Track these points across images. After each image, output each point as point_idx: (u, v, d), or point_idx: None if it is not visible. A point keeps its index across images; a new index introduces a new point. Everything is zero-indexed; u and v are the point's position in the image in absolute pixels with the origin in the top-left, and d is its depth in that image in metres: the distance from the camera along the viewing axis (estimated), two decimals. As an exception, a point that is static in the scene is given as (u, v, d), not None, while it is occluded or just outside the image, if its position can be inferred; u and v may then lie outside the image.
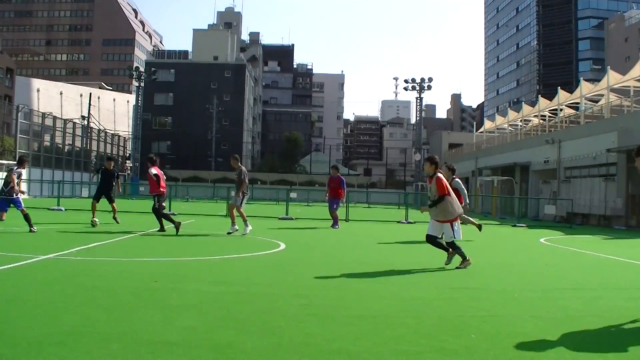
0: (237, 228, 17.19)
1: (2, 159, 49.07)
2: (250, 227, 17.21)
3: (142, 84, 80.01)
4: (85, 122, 76.63)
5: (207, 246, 14.55)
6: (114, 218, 21.41)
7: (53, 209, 28.95)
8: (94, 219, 20.03)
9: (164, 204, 18.37)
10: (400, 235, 17.05)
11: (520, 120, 60.88)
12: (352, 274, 10.12)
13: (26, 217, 15.95)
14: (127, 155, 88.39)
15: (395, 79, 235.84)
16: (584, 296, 8.68)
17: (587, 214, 37.61)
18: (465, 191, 15.93)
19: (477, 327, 6.27)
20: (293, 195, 39.53)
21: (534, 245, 18.33)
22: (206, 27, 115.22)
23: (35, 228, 15.54)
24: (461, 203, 14.05)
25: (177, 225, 16.65)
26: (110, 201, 21.65)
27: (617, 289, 9.71)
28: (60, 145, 62.32)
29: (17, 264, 9.69)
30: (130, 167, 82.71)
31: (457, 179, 15.79)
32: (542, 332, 6.17)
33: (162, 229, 17.50)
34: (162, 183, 17.97)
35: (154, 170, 17.78)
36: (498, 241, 16.79)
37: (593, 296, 8.73)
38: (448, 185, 11.27)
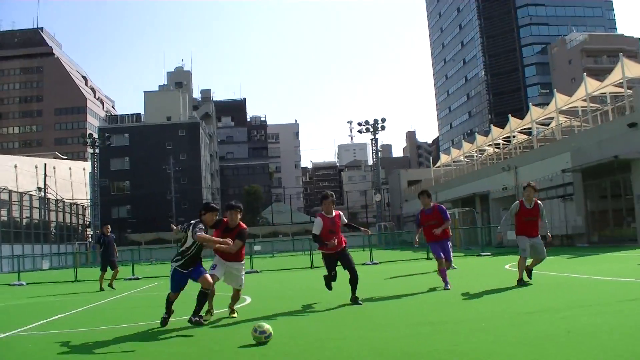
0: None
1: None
2: None
3: (97, 151, 79.76)
4: (42, 194, 76.01)
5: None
6: (110, 285, 21.46)
7: (14, 284, 28.46)
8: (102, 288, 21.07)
9: None
10: (365, 277, 16.98)
11: (475, 151, 61.57)
12: (315, 320, 10.04)
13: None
14: (87, 223, 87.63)
15: (350, 122, 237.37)
16: (551, 317, 8.68)
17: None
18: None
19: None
20: (257, 247, 39.32)
21: (499, 273, 18.39)
22: (157, 89, 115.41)
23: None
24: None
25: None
26: (113, 267, 21.71)
27: (582, 306, 9.72)
28: (18, 219, 61.57)
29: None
30: (91, 234, 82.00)
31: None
32: (511, 359, 6.12)
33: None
34: None
35: None
36: (463, 272, 16.87)
37: (560, 316, 8.71)
38: None
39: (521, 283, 13.51)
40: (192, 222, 10.41)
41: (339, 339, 7.24)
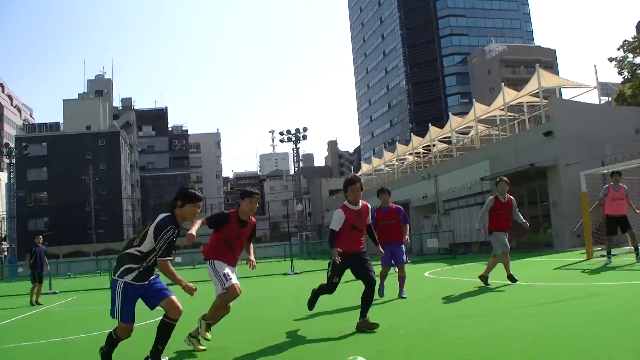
0: None
1: None
2: None
3: (14, 161, 77.82)
4: (-45, 205, 74.06)
5: (84, 322, 14.04)
6: (36, 301, 20.37)
7: None
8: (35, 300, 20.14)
9: None
10: (285, 287, 16.91)
11: (396, 160, 61.94)
12: (238, 335, 9.87)
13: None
14: (3, 236, 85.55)
15: (272, 131, 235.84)
16: (468, 323, 8.76)
17: (468, 243, 38.38)
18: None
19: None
20: (178, 259, 38.81)
21: (418, 280, 18.48)
22: (77, 97, 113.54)
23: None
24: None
25: None
26: (40, 281, 20.67)
27: (499, 311, 9.81)
28: None
29: None
30: (7, 248, 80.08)
31: None
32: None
33: None
34: None
35: None
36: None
37: (477, 322, 8.80)
38: None
39: (486, 280, 14.05)
40: (162, 217, 6.90)
41: (251, 350, 7.10)
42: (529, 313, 9.33)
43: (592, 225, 21.87)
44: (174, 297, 6.85)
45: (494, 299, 11.56)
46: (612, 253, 17.26)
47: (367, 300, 8.89)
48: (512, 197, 14.27)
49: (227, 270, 8.26)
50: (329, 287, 9.15)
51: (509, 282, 13.68)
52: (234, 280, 8.21)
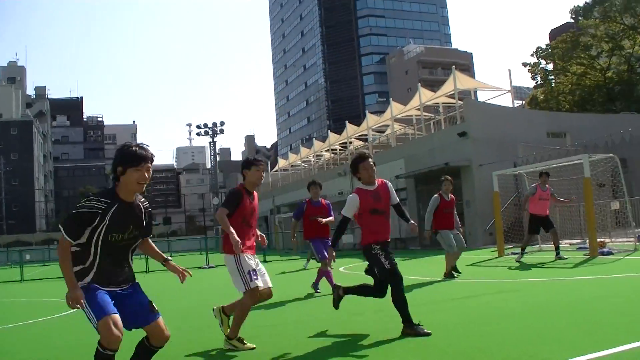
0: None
1: None
2: None
3: None
4: None
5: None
6: None
7: None
8: None
9: None
10: (200, 281, 16.89)
11: (313, 156, 62.13)
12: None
13: None
14: None
15: (189, 125, 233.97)
16: (380, 317, 9.04)
17: (384, 240, 38.70)
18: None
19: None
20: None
21: (335, 275, 18.59)
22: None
23: None
24: None
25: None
26: None
27: (413, 305, 9.73)
28: None
29: None
30: None
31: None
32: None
33: None
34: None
35: None
36: (300, 275, 16.91)
37: (389, 315, 8.78)
38: None
39: (449, 276, 14.19)
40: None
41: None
42: (443, 308, 9.57)
43: (504, 224, 22.49)
44: (160, 320, 5.13)
45: (409, 295, 11.70)
46: (525, 251, 17.79)
47: (399, 302, 7.69)
48: (453, 196, 14.94)
49: (253, 266, 7.27)
50: (388, 273, 7.81)
51: (444, 278, 14.12)
52: (259, 281, 7.22)
